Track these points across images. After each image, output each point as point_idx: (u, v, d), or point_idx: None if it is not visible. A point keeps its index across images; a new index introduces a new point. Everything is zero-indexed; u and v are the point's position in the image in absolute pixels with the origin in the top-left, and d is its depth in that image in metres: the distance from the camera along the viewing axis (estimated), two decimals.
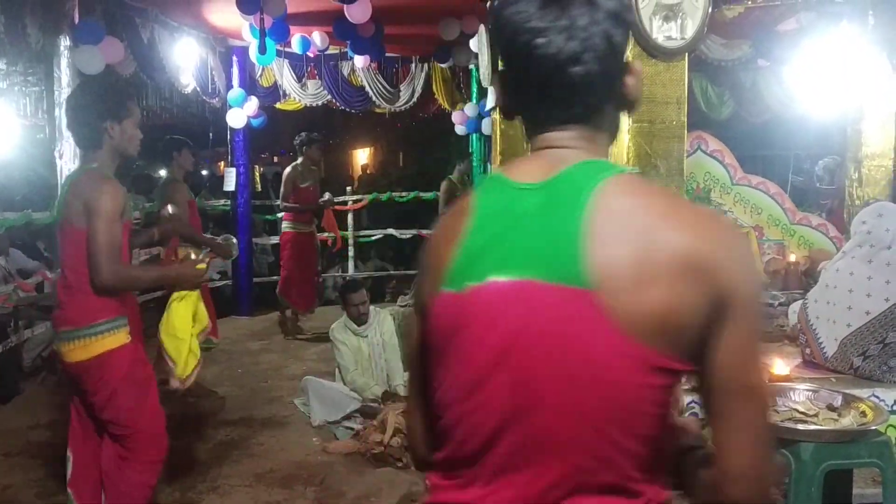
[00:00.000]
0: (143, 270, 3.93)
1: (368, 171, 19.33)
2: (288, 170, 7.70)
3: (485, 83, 7.21)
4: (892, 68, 5.76)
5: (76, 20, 5.55)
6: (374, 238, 10.64)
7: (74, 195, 3.05)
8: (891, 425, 3.61)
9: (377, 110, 9.88)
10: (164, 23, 7.06)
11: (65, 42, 5.46)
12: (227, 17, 7.31)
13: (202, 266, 2.72)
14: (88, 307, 3.05)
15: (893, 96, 5.91)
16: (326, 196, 8.22)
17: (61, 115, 5.43)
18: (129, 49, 6.25)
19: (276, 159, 19.76)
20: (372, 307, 5.30)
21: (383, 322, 5.24)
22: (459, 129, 9.59)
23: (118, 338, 3.09)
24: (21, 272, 6.81)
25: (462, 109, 9.38)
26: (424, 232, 10.29)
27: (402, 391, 5.00)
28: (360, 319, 5.12)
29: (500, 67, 1.35)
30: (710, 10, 3.73)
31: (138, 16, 6.61)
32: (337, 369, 5.25)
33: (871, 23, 5.64)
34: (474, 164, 9.88)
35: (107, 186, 3.00)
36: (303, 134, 7.80)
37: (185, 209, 5.52)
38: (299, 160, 7.71)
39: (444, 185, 8.60)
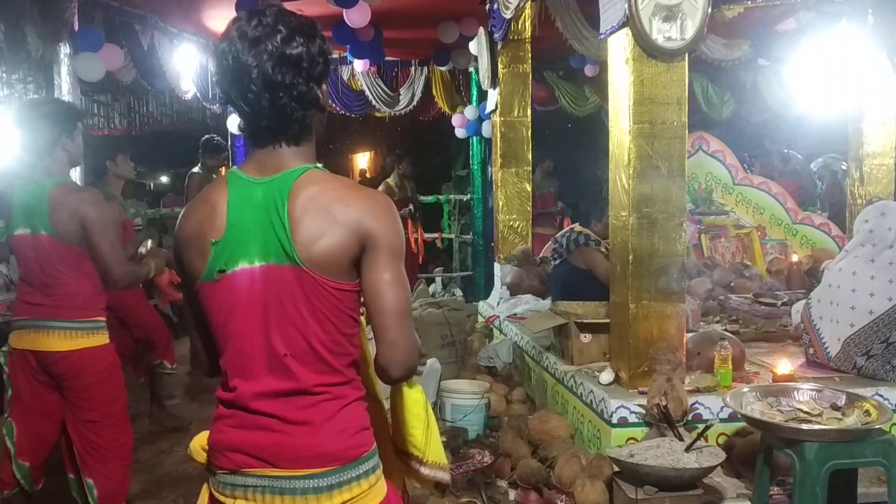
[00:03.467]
0: None
1: (368, 176, 19.32)
2: (195, 171, 6.62)
3: (484, 86, 7.21)
4: (892, 67, 5.75)
5: (76, 28, 5.56)
6: None
7: (70, 211, 3.12)
8: (895, 424, 3.60)
9: (377, 114, 9.88)
10: (163, 29, 7.07)
11: (65, 49, 5.47)
12: (225, 22, 7.32)
13: None
14: None
15: (893, 95, 5.91)
16: None
17: None
18: (128, 56, 6.25)
19: None
20: None
21: None
22: (459, 133, 9.59)
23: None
24: None
25: (462, 112, 9.38)
26: (426, 236, 10.29)
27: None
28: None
29: None
30: (709, 10, 3.73)
31: (138, 23, 6.62)
32: None
33: (871, 22, 5.64)
34: (474, 166, 9.89)
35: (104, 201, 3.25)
36: (210, 137, 6.83)
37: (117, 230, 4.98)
38: (198, 168, 6.64)
39: (381, 188, 8.54)
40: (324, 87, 1.67)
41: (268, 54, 1.56)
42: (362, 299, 1.65)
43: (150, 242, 3.78)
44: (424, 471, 1.92)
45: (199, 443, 1.75)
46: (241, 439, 1.61)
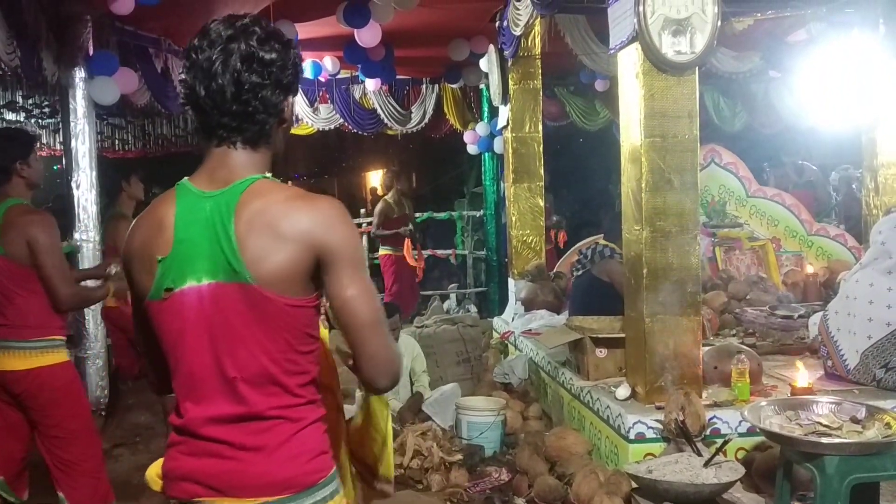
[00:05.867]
0: None
1: (380, 193, 19.41)
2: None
3: (495, 102, 7.24)
4: None
5: (91, 52, 5.62)
6: None
7: (18, 231, 3.22)
8: None
9: (389, 132, 9.92)
10: (177, 52, 7.13)
11: (80, 74, 5.53)
12: None
13: None
14: None
15: None
16: None
17: (77, 146, 5.49)
18: (142, 79, 6.31)
19: (289, 183, 19.88)
20: (401, 334, 5.42)
21: (412, 349, 5.34)
22: (471, 149, 9.61)
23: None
24: None
25: (473, 129, 9.40)
26: (439, 252, 10.29)
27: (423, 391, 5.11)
28: None
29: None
30: (719, 23, 3.73)
31: (151, 46, 6.68)
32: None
33: (882, 31, 5.61)
34: (486, 182, 9.90)
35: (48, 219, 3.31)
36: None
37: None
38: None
39: (379, 205, 8.49)
40: (290, 99, 1.62)
41: (239, 51, 1.53)
42: (329, 316, 1.60)
43: (118, 267, 3.78)
44: (377, 485, 1.90)
45: (154, 471, 1.68)
46: (192, 467, 1.55)
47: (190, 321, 1.53)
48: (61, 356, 3.37)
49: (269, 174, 1.59)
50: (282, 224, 1.50)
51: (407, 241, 8.30)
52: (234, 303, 1.50)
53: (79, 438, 3.40)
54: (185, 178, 1.61)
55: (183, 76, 1.59)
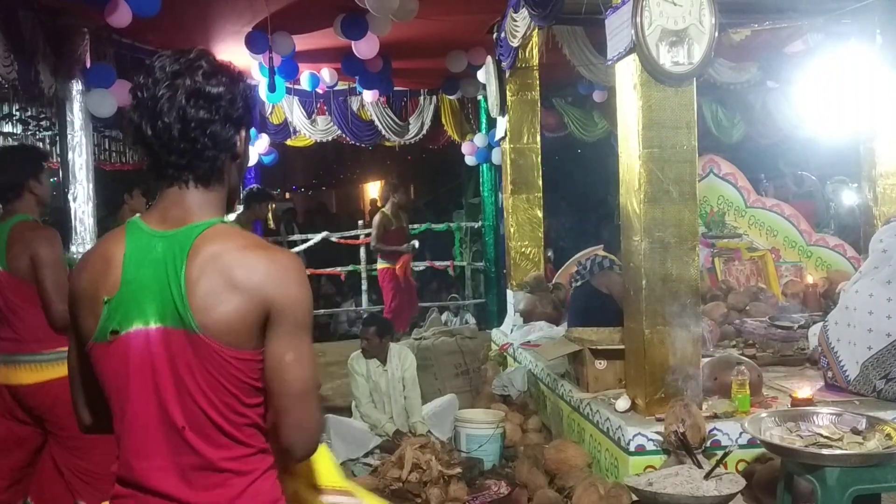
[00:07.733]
0: None
1: (379, 205, 19.43)
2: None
3: (493, 113, 7.24)
4: None
5: (88, 65, 5.63)
6: None
7: (22, 247, 3.22)
8: None
9: (387, 144, 9.93)
10: None
11: (77, 86, 5.53)
12: (235, 56, 7.39)
13: None
14: None
15: None
16: None
17: (74, 158, 5.49)
18: None
19: (287, 195, 19.88)
20: (393, 344, 5.37)
21: (405, 358, 5.29)
22: (469, 160, 9.62)
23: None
24: None
25: (471, 140, 9.41)
26: (437, 263, 10.29)
27: (419, 428, 4.98)
28: (366, 354, 5.20)
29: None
30: (716, 34, 3.73)
31: (148, 58, 6.64)
32: (353, 402, 5.24)
33: (879, 41, 5.62)
34: (485, 194, 9.90)
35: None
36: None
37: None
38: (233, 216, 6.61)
39: (377, 217, 8.43)
40: (242, 134, 1.57)
41: (185, 87, 1.48)
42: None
43: None
44: None
45: None
46: None
47: (135, 366, 1.46)
48: None
49: (227, 218, 1.55)
50: (235, 273, 1.45)
51: (404, 256, 8.21)
52: (181, 350, 1.44)
53: (97, 446, 3.33)
54: (137, 215, 1.57)
55: (129, 115, 1.54)
